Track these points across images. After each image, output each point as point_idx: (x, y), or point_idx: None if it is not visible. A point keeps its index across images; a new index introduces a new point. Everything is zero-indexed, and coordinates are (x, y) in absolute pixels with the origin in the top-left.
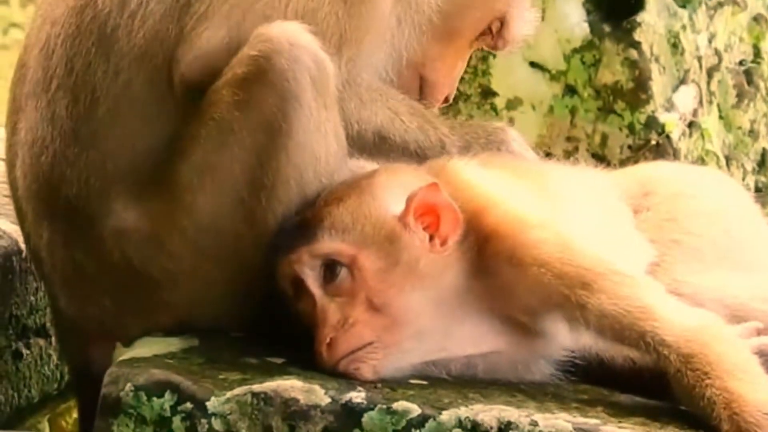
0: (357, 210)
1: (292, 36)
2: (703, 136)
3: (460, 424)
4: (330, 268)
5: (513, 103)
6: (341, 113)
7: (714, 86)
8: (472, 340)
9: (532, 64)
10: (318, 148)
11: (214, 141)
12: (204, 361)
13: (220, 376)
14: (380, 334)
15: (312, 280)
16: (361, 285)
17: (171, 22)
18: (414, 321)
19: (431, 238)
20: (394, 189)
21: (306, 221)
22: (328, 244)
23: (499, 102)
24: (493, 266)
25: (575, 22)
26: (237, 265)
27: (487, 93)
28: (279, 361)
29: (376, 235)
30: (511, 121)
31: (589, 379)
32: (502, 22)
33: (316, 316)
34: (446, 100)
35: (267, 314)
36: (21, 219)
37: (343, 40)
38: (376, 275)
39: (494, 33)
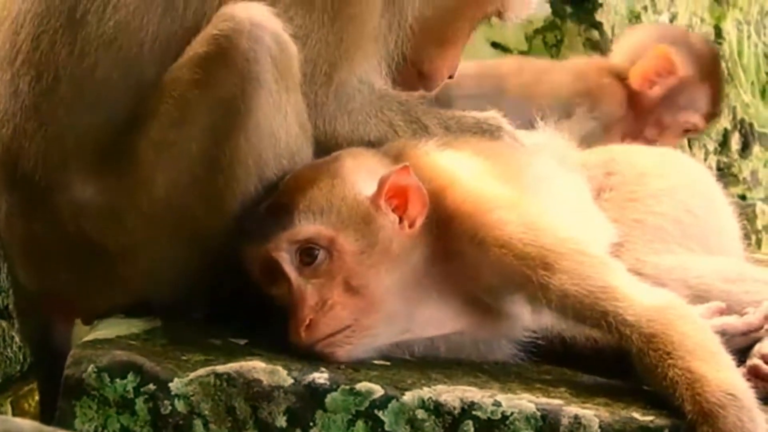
0: (331, 192)
1: (254, 16)
2: None
3: (423, 404)
4: (307, 251)
5: None
6: (333, 134)
7: None
8: (435, 321)
9: (494, 45)
10: (278, 129)
11: (173, 118)
12: (167, 342)
13: (183, 358)
14: (357, 316)
15: (288, 264)
16: (339, 267)
17: (145, 15)
18: (387, 303)
19: (400, 220)
20: (362, 172)
21: (278, 206)
22: (307, 227)
23: None
24: (455, 247)
25: (537, 2)
26: (194, 244)
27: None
28: (242, 342)
29: (352, 217)
30: None
31: (552, 360)
32: (501, 12)
33: (293, 299)
34: (450, 77)
35: (229, 295)
36: None
37: (334, 65)
38: (354, 257)
39: (492, 19)
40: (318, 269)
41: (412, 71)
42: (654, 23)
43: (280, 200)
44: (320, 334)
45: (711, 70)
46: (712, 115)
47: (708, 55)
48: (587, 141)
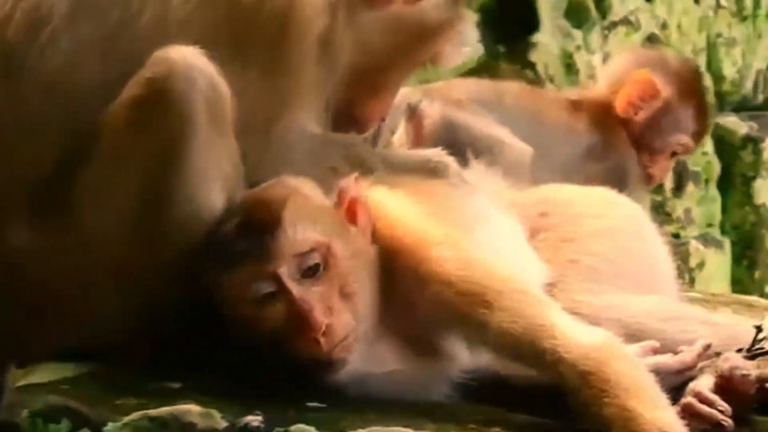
0: (309, 204)
1: (189, 59)
2: None
3: None
4: (307, 261)
5: None
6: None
7: None
8: (378, 358)
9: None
10: (212, 170)
11: (108, 161)
12: (101, 386)
13: (117, 402)
14: (354, 323)
15: (288, 278)
16: (335, 274)
17: (82, 60)
18: (372, 312)
19: None
20: (311, 187)
21: (257, 225)
22: (305, 237)
23: None
24: (396, 284)
25: (470, 50)
26: (132, 287)
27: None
28: (176, 385)
29: (335, 225)
30: None
31: (488, 399)
32: (434, 60)
33: (299, 311)
34: (381, 119)
35: (167, 337)
36: None
37: (273, 116)
38: (346, 263)
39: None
40: (318, 278)
41: (345, 115)
42: (631, 49)
43: (256, 220)
44: (338, 338)
45: (693, 89)
46: (699, 134)
47: (688, 73)
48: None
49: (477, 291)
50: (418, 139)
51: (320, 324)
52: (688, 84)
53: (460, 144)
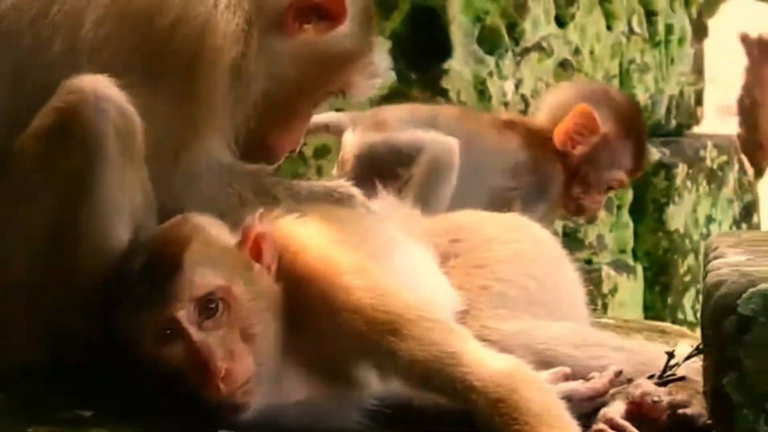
0: (210, 245)
1: (99, 88)
2: None
3: None
4: (206, 304)
5: (321, 152)
6: (182, 211)
7: None
8: (289, 388)
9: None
10: (122, 200)
11: (18, 192)
12: (12, 414)
13: (29, 430)
14: (257, 365)
15: (187, 321)
16: (236, 316)
17: None
18: (277, 352)
19: None
20: (215, 226)
21: (159, 267)
22: (204, 281)
23: (308, 150)
24: (306, 313)
25: (380, 81)
26: (41, 317)
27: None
28: (88, 413)
29: (237, 267)
30: (319, 169)
31: (400, 426)
32: (345, 89)
33: (199, 355)
34: (292, 151)
35: (77, 365)
36: None
37: (182, 144)
38: (247, 305)
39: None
40: (218, 321)
41: (256, 144)
42: (575, 81)
43: (158, 262)
44: (238, 383)
45: (633, 125)
46: (635, 171)
47: (629, 110)
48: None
49: (387, 319)
50: (343, 168)
51: (219, 369)
52: (628, 120)
53: (386, 162)
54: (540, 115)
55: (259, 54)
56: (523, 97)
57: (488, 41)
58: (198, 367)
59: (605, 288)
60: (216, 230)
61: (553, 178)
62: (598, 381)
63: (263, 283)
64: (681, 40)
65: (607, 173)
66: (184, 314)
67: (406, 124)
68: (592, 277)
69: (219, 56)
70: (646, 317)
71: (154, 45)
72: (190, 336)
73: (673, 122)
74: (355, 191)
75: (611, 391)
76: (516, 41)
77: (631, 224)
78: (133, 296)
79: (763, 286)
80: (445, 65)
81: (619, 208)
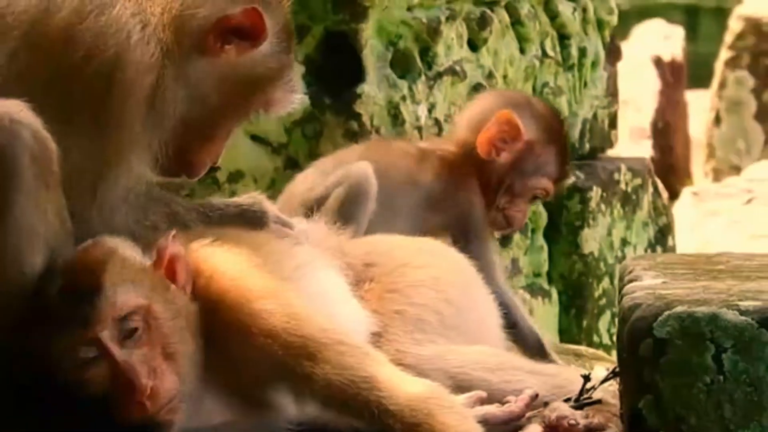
0: (128, 266)
1: (13, 113)
2: None
3: None
4: (127, 324)
5: (235, 176)
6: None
7: None
8: (204, 411)
9: (254, 138)
10: (37, 226)
11: None
12: None
13: None
14: (179, 383)
15: (110, 341)
16: (157, 335)
17: None
18: (193, 371)
19: None
20: (128, 248)
21: (78, 289)
22: (127, 301)
23: (221, 175)
24: (221, 338)
25: (300, 98)
26: None
27: (210, 167)
28: None
29: (156, 286)
30: (233, 194)
31: None
32: (265, 109)
33: (123, 374)
34: (213, 165)
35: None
36: None
37: (99, 176)
38: (167, 323)
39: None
40: (140, 340)
41: (176, 161)
42: (494, 90)
43: (76, 284)
44: (163, 400)
45: (556, 132)
46: (560, 179)
47: (551, 117)
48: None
49: (302, 344)
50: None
51: (145, 387)
52: (551, 127)
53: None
54: (460, 128)
55: (178, 79)
56: (437, 121)
57: (401, 65)
58: (122, 386)
59: None
60: (130, 252)
61: (471, 209)
62: (514, 404)
63: (181, 303)
64: (594, 64)
65: (533, 180)
66: (107, 334)
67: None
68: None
69: (131, 89)
70: (562, 340)
71: (68, 78)
72: (113, 355)
73: (587, 145)
74: (267, 206)
75: (527, 414)
76: (429, 65)
77: (545, 247)
78: (51, 319)
79: (678, 309)
80: (358, 89)
81: (533, 231)
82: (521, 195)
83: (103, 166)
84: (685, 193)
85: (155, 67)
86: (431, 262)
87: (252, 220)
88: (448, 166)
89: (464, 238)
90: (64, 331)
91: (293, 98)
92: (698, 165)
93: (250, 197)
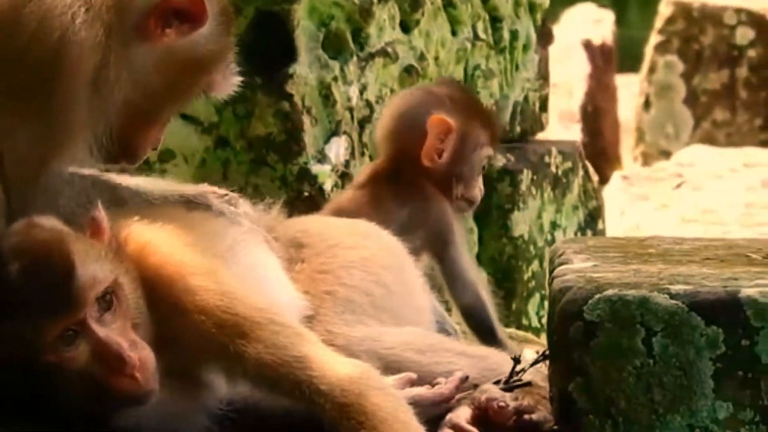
0: (84, 243)
1: None
2: None
3: None
4: (103, 300)
5: (165, 156)
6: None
7: (366, 137)
8: None
9: (184, 117)
10: None
11: None
12: None
13: None
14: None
15: (91, 320)
16: (126, 308)
17: None
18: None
19: None
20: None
21: (45, 271)
22: (102, 277)
23: (152, 155)
24: (156, 315)
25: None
26: None
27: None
28: None
29: (115, 260)
30: (163, 174)
31: (247, 430)
32: (207, 89)
33: (107, 349)
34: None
35: None
36: None
37: (43, 161)
38: (131, 296)
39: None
40: (115, 314)
41: (118, 145)
42: (406, 95)
43: (43, 266)
44: (150, 369)
45: (468, 102)
46: (494, 137)
47: (456, 91)
48: None
49: (235, 322)
50: None
51: (134, 360)
52: (464, 102)
53: None
54: (389, 142)
55: (120, 63)
56: (368, 103)
57: (333, 46)
58: (111, 363)
59: (447, 294)
60: (67, 229)
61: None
62: (444, 386)
63: (134, 275)
64: (526, 47)
65: (475, 157)
66: (87, 313)
67: None
68: (437, 284)
69: (75, 72)
70: None
71: (9, 64)
72: (95, 333)
73: (518, 128)
74: (213, 201)
75: (457, 396)
76: (361, 46)
77: (475, 230)
78: (17, 305)
79: (609, 292)
80: (290, 70)
81: None
82: (472, 175)
83: (49, 150)
84: (615, 177)
85: (100, 48)
86: (362, 243)
87: (192, 203)
88: (403, 186)
89: (442, 245)
90: (38, 314)
91: (234, 80)
92: (628, 149)
93: (196, 188)
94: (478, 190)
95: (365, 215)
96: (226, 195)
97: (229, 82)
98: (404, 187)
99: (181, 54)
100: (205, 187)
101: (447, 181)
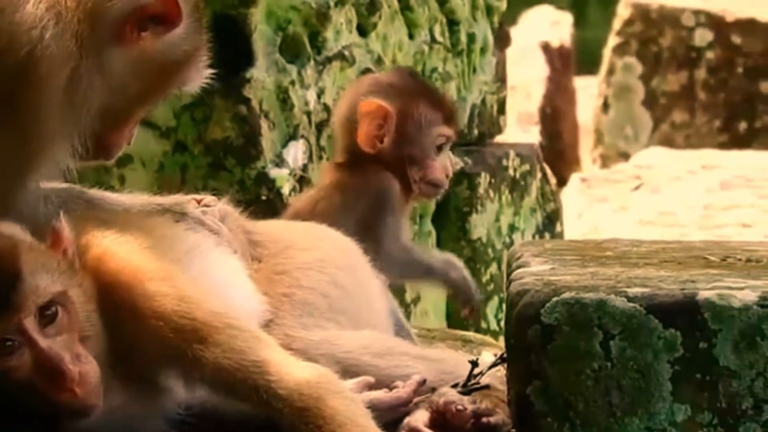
0: (40, 252)
1: None
2: None
3: None
4: (47, 310)
5: (123, 161)
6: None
7: (323, 141)
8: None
9: (142, 122)
10: None
11: None
12: None
13: None
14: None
15: (33, 330)
16: (74, 321)
17: None
18: (102, 355)
19: None
20: (21, 233)
21: None
22: (47, 287)
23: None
24: (113, 319)
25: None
26: None
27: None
28: None
29: (67, 271)
30: (122, 178)
31: None
32: (181, 85)
33: (48, 361)
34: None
35: None
36: None
37: (16, 177)
38: (81, 308)
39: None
40: (60, 326)
41: (92, 143)
42: (349, 88)
43: None
44: (91, 384)
45: (414, 85)
46: (450, 116)
47: (400, 77)
48: None
49: (192, 327)
50: None
51: (74, 374)
52: (406, 84)
53: None
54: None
55: (94, 71)
56: (326, 106)
57: (290, 50)
58: (50, 375)
59: (408, 297)
60: (28, 237)
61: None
62: (402, 390)
63: (88, 286)
64: (483, 49)
65: (426, 137)
66: (30, 323)
67: None
68: (395, 286)
69: (45, 87)
70: (450, 326)
71: None
72: (37, 343)
73: (476, 131)
74: (190, 210)
75: (415, 399)
76: (318, 50)
77: (434, 233)
78: None
79: (566, 295)
80: (248, 74)
81: (421, 216)
82: (426, 156)
83: (25, 163)
84: (574, 179)
85: (70, 60)
86: (318, 245)
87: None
88: (360, 177)
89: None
90: None
91: (205, 73)
92: (586, 151)
93: (173, 198)
94: (439, 171)
95: (326, 213)
96: (202, 200)
97: (201, 74)
98: (362, 178)
99: (158, 55)
100: (183, 197)
101: (401, 165)
